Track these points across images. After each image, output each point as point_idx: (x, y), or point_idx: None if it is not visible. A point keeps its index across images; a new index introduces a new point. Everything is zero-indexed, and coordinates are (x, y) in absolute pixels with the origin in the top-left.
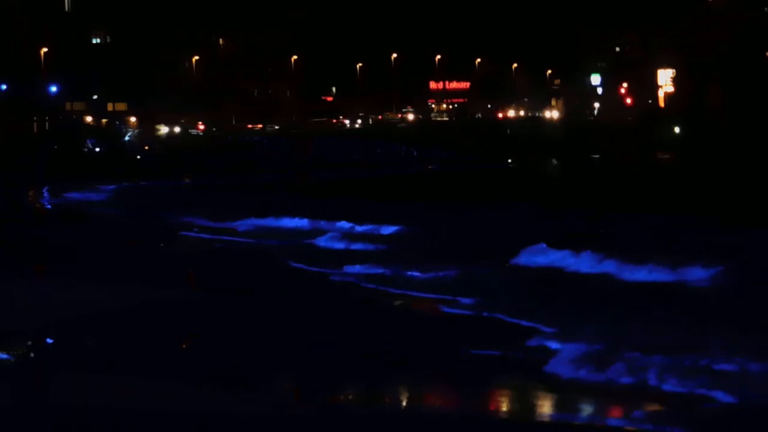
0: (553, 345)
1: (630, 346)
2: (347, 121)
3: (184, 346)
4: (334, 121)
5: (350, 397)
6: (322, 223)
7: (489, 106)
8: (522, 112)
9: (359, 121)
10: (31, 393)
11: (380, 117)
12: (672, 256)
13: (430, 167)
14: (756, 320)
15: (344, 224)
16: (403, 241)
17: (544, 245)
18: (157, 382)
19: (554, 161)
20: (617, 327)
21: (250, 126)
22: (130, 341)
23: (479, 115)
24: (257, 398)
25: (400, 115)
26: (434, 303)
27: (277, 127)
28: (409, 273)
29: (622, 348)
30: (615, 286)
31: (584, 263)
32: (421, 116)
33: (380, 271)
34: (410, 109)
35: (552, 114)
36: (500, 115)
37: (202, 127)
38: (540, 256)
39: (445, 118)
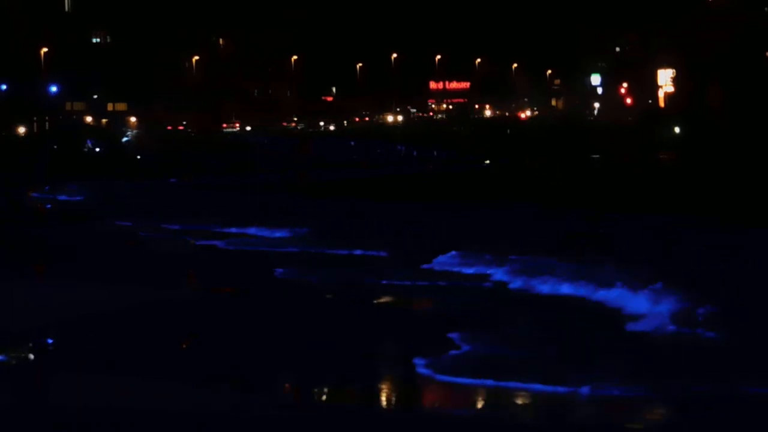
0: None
1: None
2: (321, 123)
3: (183, 346)
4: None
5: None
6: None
7: (487, 106)
8: (490, 112)
9: (332, 126)
10: (31, 393)
11: (357, 119)
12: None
13: (430, 167)
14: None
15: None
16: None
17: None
18: (157, 382)
19: (554, 161)
20: None
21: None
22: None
23: (506, 113)
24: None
25: (384, 117)
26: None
27: (249, 128)
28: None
29: None
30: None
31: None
32: (401, 118)
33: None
34: (396, 110)
35: (527, 113)
36: (522, 115)
37: (237, 125)
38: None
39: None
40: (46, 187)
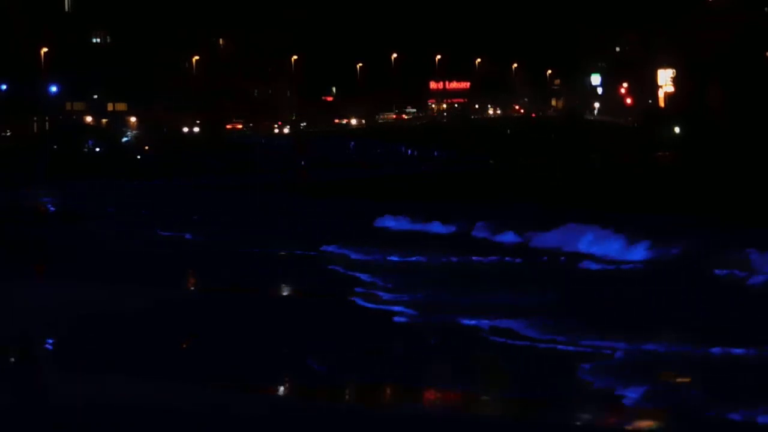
0: None
1: None
2: (276, 126)
3: (184, 346)
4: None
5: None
6: None
7: (489, 105)
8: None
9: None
10: (31, 393)
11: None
12: None
13: (430, 167)
14: None
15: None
16: None
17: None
18: (157, 382)
19: (554, 161)
20: None
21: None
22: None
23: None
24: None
25: (345, 120)
26: None
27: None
28: None
29: None
30: None
31: None
32: (364, 120)
33: None
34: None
35: (496, 111)
36: (533, 114)
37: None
38: None
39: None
40: (44, 188)
